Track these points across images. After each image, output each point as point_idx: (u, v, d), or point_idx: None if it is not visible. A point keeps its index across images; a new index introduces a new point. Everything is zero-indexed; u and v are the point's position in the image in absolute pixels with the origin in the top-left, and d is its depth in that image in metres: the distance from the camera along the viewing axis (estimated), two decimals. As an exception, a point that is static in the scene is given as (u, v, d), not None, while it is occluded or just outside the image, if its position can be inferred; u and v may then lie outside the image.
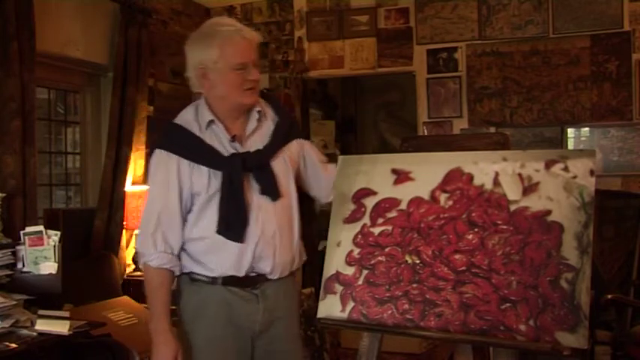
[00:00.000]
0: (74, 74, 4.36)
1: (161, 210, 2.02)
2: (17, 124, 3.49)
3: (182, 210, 2.03)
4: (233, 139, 2.07)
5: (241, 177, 2.01)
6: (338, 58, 5.28)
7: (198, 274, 2.06)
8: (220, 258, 2.02)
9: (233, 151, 2.05)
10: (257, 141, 2.10)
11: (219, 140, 2.06)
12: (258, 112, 2.12)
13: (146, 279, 2.06)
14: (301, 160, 2.22)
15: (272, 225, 2.05)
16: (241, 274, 2.03)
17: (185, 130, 2.06)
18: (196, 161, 2.03)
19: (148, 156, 2.15)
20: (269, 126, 2.14)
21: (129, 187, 4.38)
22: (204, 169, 2.02)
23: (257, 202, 2.04)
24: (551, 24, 4.73)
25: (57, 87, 4.36)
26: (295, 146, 2.19)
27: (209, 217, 2.02)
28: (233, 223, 2.00)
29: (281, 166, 2.11)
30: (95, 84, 4.53)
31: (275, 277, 2.08)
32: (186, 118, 2.11)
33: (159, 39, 4.90)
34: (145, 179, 4.61)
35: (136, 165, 4.47)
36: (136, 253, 4.45)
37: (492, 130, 4.78)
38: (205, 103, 2.10)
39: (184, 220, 2.04)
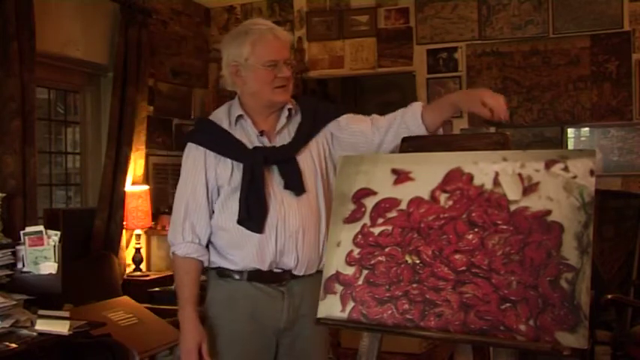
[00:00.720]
0: (74, 74, 4.37)
1: (188, 200, 2.08)
2: (17, 124, 3.49)
3: (209, 201, 2.08)
4: (261, 133, 2.10)
5: (262, 169, 2.03)
6: (338, 58, 5.27)
7: (225, 269, 2.09)
8: (243, 251, 2.05)
9: (259, 144, 2.09)
10: (285, 137, 2.13)
11: (248, 135, 2.10)
12: (289, 109, 2.14)
13: (174, 268, 2.12)
14: (329, 146, 2.18)
15: (295, 220, 2.06)
16: (265, 267, 2.05)
17: (215, 124, 2.12)
18: (222, 153, 2.07)
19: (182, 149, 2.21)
20: (297, 122, 2.16)
21: (129, 187, 4.39)
22: (228, 161, 2.06)
23: (280, 195, 2.06)
24: (551, 24, 4.73)
25: (57, 87, 4.36)
26: (322, 137, 2.17)
27: (231, 210, 2.05)
28: (252, 213, 2.02)
29: (308, 162, 2.12)
30: (95, 84, 4.53)
31: (300, 274, 2.08)
32: (218, 114, 2.17)
33: (159, 39, 4.90)
34: (144, 179, 4.63)
35: (136, 165, 4.47)
36: (136, 252, 4.47)
37: (492, 130, 4.75)
38: (238, 100, 2.15)
39: (212, 211, 2.09)
